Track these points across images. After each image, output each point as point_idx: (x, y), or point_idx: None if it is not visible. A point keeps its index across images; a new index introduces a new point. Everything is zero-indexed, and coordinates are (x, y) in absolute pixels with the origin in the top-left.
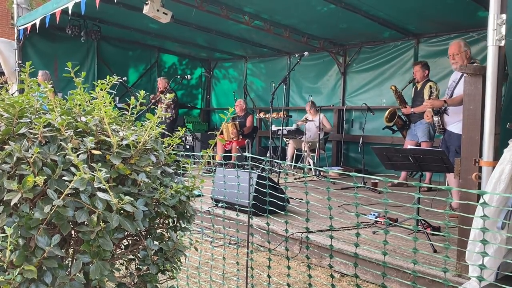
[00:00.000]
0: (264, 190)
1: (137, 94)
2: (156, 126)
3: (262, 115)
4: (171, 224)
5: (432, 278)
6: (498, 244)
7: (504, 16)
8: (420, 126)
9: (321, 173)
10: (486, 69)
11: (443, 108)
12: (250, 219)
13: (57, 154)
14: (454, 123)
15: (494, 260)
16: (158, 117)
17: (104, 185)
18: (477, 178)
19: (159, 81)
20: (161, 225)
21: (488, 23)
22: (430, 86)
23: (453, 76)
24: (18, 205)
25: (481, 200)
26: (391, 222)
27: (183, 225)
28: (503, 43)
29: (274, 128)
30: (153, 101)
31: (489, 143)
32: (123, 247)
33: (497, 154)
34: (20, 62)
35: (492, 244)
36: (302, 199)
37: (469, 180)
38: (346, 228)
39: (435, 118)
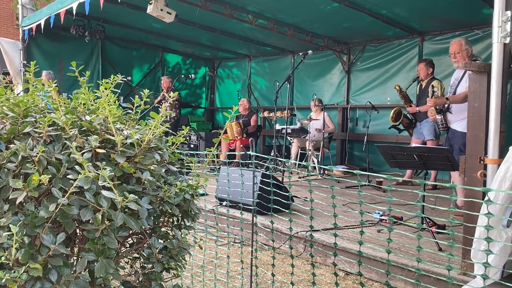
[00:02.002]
0: (268, 189)
1: (141, 93)
2: (160, 125)
3: (266, 114)
4: (175, 223)
5: (437, 277)
6: (503, 242)
7: (509, 13)
8: (426, 125)
9: (326, 171)
10: (491, 66)
11: (446, 106)
12: (254, 218)
13: (62, 153)
14: (458, 121)
15: (499, 258)
16: (162, 116)
17: (108, 183)
18: (482, 176)
19: (163, 80)
20: (165, 223)
21: (493, 20)
22: (432, 85)
23: (455, 74)
24: (24, 203)
25: (485, 198)
26: (395, 220)
27: (187, 224)
28: (508, 40)
29: (278, 127)
30: (156, 102)
31: (494, 140)
32: (128, 245)
33: (502, 152)
34: (25, 62)
35: (498, 242)
36: (306, 198)
37: (474, 178)
38: (351, 227)
39: (438, 117)
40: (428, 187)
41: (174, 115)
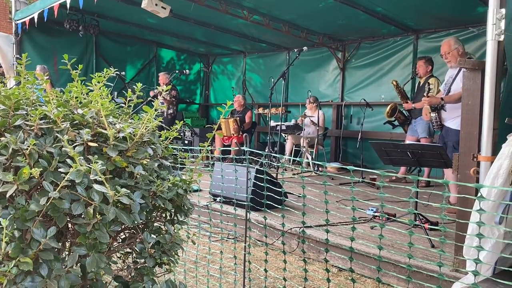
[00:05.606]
0: (262, 185)
1: (134, 87)
2: (153, 119)
3: (261, 110)
4: (168, 217)
5: (429, 273)
6: (495, 238)
7: (503, 10)
8: (420, 122)
9: (320, 168)
10: (485, 63)
11: (441, 104)
12: (248, 214)
13: (53, 146)
14: (452, 119)
15: (491, 255)
16: (156, 110)
17: (100, 177)
18: (475, 173)
19: (160, 77)
20: (158, 218)
21: (488, 18)
22: (429, 83)
23: (450, 72)
24: (14, 197)
25: (478, 194)
26: (388, 217)
27: (180, 219)
28: (502, 37)
29: (272, 123)
30: (152, 94)
31: (488, 138)
32: (120, 240)
33: (496, 149)
34: (18, 56)
35: (490, 238)
36: (300, 194)
37: (467, 175)
38: (344, 223)
39: (433, 115)
40: (421, 184)
41: (171, 111)
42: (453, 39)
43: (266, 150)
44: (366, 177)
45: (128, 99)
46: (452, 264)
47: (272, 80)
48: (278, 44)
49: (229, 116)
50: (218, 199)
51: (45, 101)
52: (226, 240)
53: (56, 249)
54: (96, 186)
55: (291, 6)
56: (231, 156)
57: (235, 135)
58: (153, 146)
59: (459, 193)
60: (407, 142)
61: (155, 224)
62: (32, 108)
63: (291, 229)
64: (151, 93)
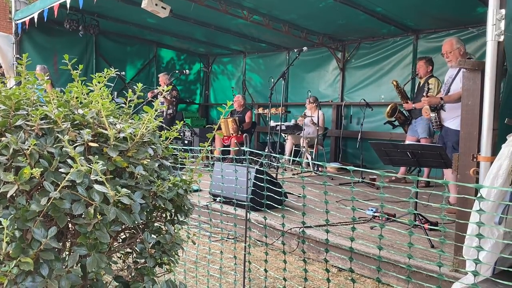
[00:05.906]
0: (262, 185)
1: (135, 87)
2: (154, 119)
3: (260, 110)
4: (168, 218)
5: (429, 273)
6: (495, 239)
7: (503, 11)
8: (421, 122)
9: (319, 168)
10: (484, 64)
11: (440, 104)
12: (248, 214)
13: (54, 146)
14: (451, 119)
15: (491, 255)
16: (156, 110)
17: (101, 177)
18: (475, 173)
19: (160, 78)
20: (158, 218)
21: (487, 18)
22: (428, 83)
23: (449, 72)
24: (15, 197)
25: (478, 194)
26: (388, 217)
27: (180, 219)
28: (502, 38)
29: (272, 123)
30: (150, 96)
31: (487, 138)
32: (120, 240)
33: (495, 150)
34: (18, 56)
35: (489, 239)
36: (300, 194)
37: (467, 175)
38: (344, 223)
39: (432, 115)
40: (421, 184)
41: (171, 111)
42: (455, 39)
43: (266, 150)
44: (366, 177)
45: (129, 99)
46: (452, 264)
47: (272, 80)
48: (278, 44)
49: (229, 116)
50: (218, 199)
51: (46, 101)
52: (226, 240)
53: (56, 249)
54: (97, 186)
55: (291, 6)
56: (231, 156)
57: (234, 134)
58: (153, 146)
59: (459, 193)
60: (407, 142)
61: (156, 224)
62: (33, 108)
63: (291, 229)
64: (149, 94)
